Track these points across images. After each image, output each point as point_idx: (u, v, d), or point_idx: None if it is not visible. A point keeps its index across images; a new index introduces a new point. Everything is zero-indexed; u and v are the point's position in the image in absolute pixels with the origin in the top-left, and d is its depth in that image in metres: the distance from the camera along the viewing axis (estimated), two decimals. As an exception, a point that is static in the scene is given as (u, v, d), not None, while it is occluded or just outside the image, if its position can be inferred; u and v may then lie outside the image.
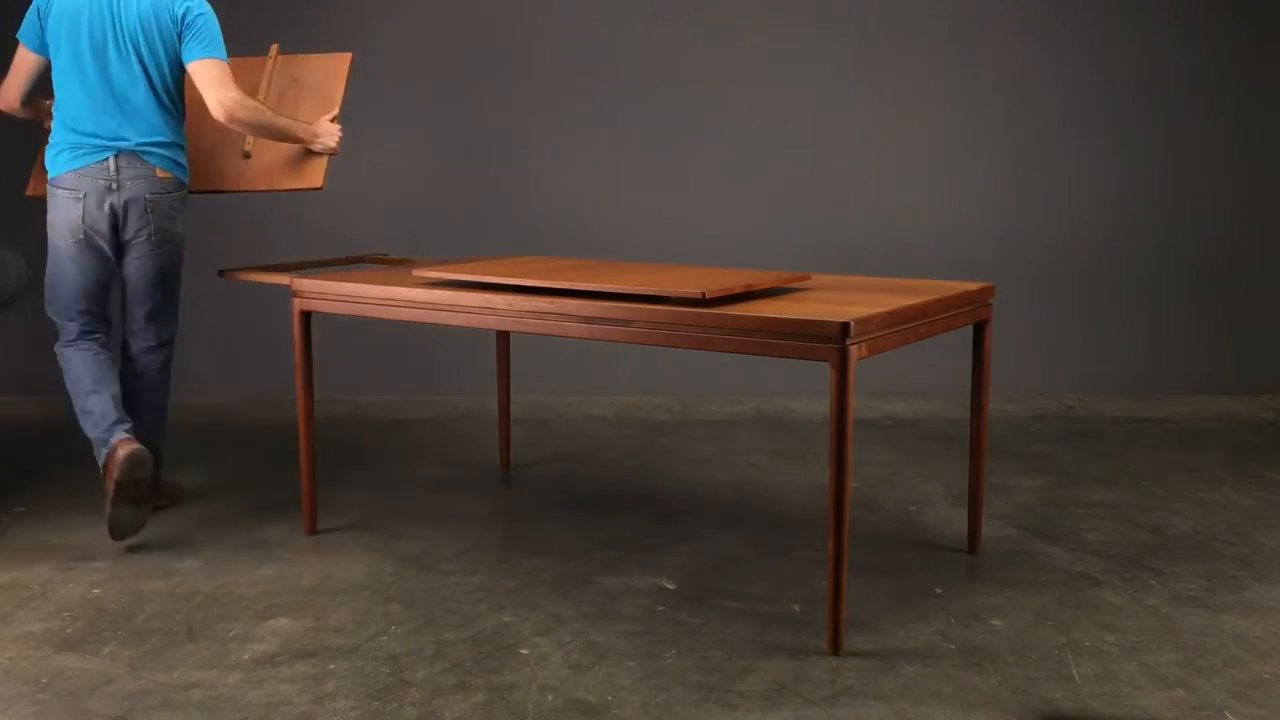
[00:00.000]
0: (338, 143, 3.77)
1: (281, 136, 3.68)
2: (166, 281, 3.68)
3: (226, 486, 4.06)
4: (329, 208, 5.26)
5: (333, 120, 3.79)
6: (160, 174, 3.57)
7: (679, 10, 5.20)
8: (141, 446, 3.37)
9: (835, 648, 2.70)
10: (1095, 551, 3.39)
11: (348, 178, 5.23)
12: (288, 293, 3.47)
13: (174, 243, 3.66)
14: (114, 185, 3.52)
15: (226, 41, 3.61)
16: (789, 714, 2.43)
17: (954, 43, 5.22)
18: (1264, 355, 5.40)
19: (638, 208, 5.27)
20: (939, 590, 3.10)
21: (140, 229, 3.57)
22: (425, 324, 3.31)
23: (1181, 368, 5.39)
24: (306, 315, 3.44)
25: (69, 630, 2.86)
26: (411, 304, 3.20)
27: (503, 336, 4.20)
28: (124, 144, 3.52)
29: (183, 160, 3.66)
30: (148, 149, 3.55)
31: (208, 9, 3.58)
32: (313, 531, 3.56)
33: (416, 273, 3.31)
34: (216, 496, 3.95)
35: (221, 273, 3.93)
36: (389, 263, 4.13)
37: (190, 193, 3.76)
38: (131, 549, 3.42)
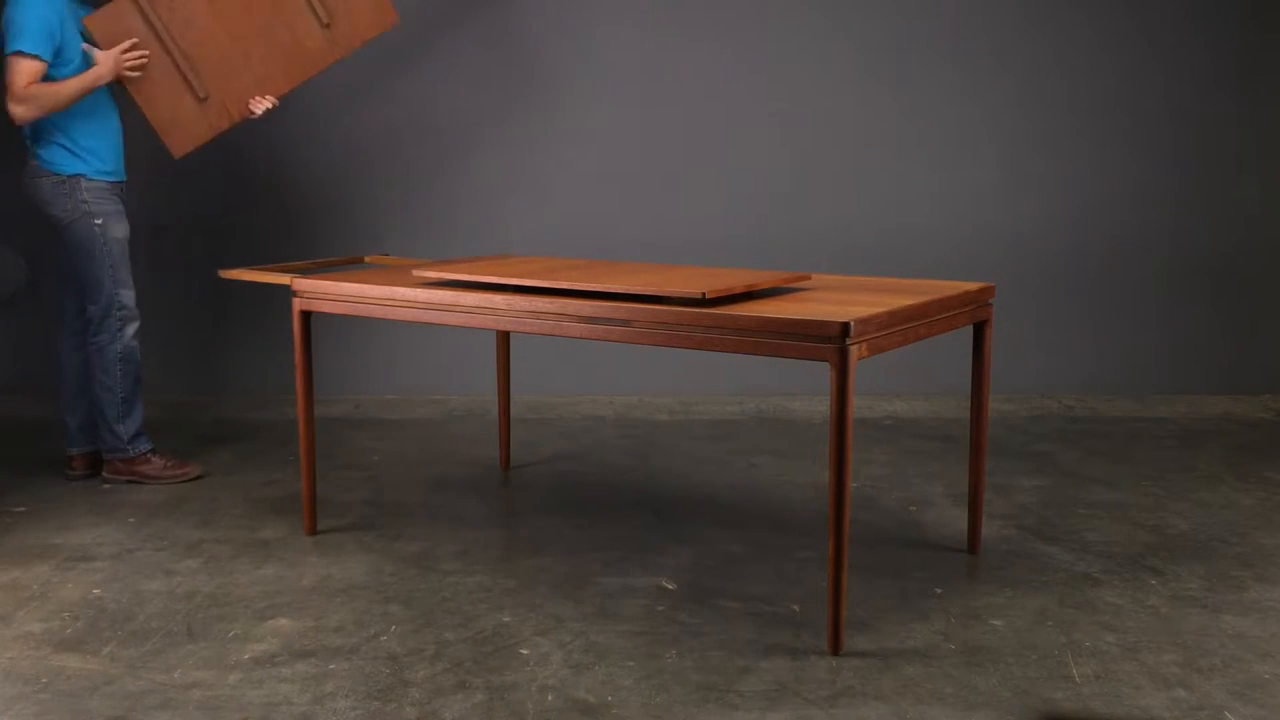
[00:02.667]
0: (120, 61, 3.83)
1: (78, 96, 3.80)
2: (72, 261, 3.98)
3: (226, 486, 4.06)
4: (329, 208, 5.27)
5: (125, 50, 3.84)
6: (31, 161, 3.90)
7: (679, 9, 5.20)
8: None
9: (835, 648, 2.70)
10: (1095, 551, 3.39)
11: (349, 178, 5.24)
12: (288, 293, 3.48)
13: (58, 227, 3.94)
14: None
15: None
16: (789, 714, 2.43)
17: (955, 40, 5.21)
18: (1264, 355, 5.40)
19: (638, 208, 5.27)
20: (939, 590, 3.10)
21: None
22: (425, 324, 3.31)
23: (1181, 368, 5.39)
24: (306, 315, 3.44)
25: (69, 630, 2.86)
26: (411, 304, 3.20)
27: (503, 336, 4.20)
28: None
29: (46, 153, 3.88)
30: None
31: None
32: (313, 531, 3.56)
33: (416, 273, 3.31)
34: (217, 496, 3.95)
35: (221, 273, 3.94)
36: (389, 263, 4.13)
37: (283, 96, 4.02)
38: (131, 549, 3.43)
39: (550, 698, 2.50)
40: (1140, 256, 5.33)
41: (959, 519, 3.63)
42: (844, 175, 5.28)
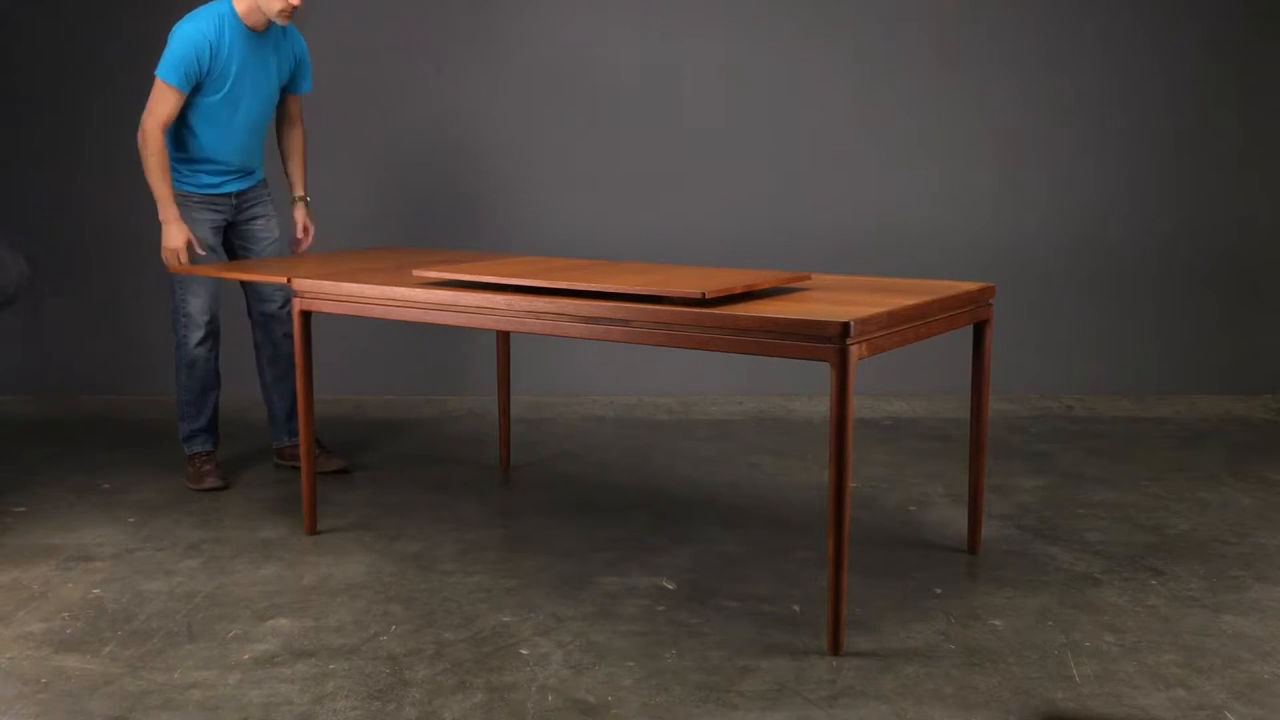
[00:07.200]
0: (166, 254, 3.85)
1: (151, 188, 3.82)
2: None
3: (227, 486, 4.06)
4: (328, 208, 5.26)
5: (185, 243, 3.84)
6: None
7: (679, 9, 5.20)
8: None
9: (835, 648, 2.70)
10: (1095, 551, 3.39)
11: (347, 178, 5.24)
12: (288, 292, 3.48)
13: None
14: None
15: None
16: (789, 714, 2.43)
17: (954, 40, 5.21)
18: (1264, 355, 5.40)
19: (636, 208, 5.27)
20: (939, 590, 3.10)
21: None
22: (425, 324, 3.31)
23: (1181, 368, 5.39)
24: (306, 315, 3.44)
25: (69, 630, 2.86)
26: (411, 304, 3.20)
27: (503, 336, 4.20)
28: None
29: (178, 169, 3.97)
30: None
31: (178, 28, 3.78)
32: (313, 531, 3.56)
33: (416, 273, 3.31)
34: (217, 496, 3.95)
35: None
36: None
37: None
38: (131, 549, 3.43)
39: (550, 698, 2.50)
40: (1140, 256, 5.32)
41: (959, 519, 3.63)
42: (844, 175, 5.28)
